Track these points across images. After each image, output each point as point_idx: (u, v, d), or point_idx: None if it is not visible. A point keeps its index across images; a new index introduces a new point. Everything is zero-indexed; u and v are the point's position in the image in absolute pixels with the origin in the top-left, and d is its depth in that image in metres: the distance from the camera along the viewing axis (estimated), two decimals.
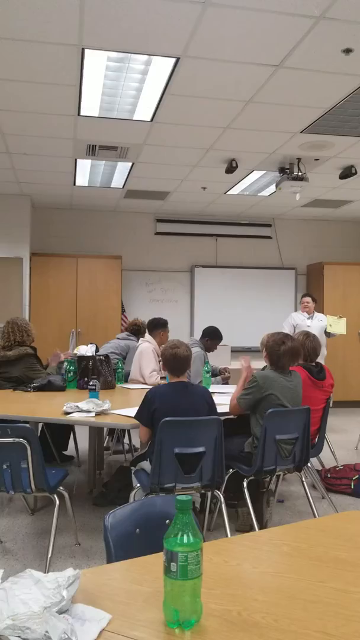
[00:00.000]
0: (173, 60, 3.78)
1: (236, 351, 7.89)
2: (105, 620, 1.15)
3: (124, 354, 5.63)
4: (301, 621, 1.16)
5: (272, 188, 6.85)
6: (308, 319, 7.02)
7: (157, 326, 5.31)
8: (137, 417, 3.24)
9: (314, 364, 4.12)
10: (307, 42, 3.53)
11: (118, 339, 5.90)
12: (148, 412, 3.15)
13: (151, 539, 1.55)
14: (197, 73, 3.96)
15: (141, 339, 5.41)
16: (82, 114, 4.70)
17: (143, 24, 3.32)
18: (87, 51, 3.67)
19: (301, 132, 5.13)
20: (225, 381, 5.60)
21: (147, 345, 5.15)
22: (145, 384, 4.93)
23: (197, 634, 1.12)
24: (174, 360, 3.24)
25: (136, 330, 5.86)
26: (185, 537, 1.16)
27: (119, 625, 1.14)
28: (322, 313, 7.50)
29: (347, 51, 3.64)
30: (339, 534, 1.60)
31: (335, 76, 4.00)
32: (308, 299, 7.15)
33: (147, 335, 5.33)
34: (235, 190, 7.32)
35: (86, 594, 1.23)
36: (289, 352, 3.50)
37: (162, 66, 3.86)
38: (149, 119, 4.78)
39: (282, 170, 6.21)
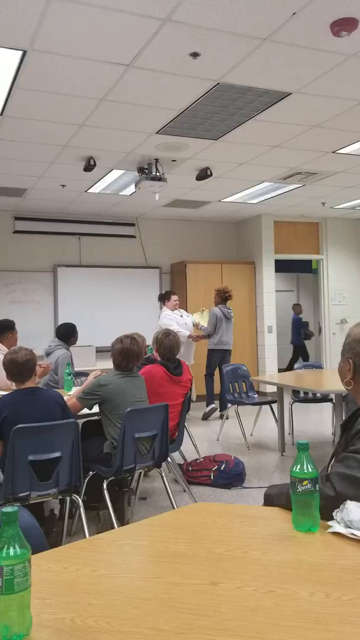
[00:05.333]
0: (20, 53, 3.65)
1: (102, 351, 7.83)
2: None
3: None
4: (134, 620, 1.16)
5: (133, 187, 6.89)
6: (181, 316, 7.23)
7: (4, 330, 5.07)
8: None
9: (171, 361, 4.20)
10: (156, 44, 3.57)
11: None
12: None
13: None
14: (46, 68, 3.85)
15: None
16: None
17: None
18: None
19: (156, 133, 5.20)
20: None
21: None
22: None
23: None
24: (12, 365, 3.15)
25: None
26: (11, 549, 1.12)
27: None
28: (185, 310, 7.76)
29: (195, 55, 3.74)
30: (180, 527, 1.63)
31: (184, 79, 4.10)
32: (177, 296, 7.37)
33: None
34: (96, 189, 7.26)
35: None
36: (124, 351, 3.60)
37: (8, 58, 3.71)
38: None
39: (140, 170, 6.27)
